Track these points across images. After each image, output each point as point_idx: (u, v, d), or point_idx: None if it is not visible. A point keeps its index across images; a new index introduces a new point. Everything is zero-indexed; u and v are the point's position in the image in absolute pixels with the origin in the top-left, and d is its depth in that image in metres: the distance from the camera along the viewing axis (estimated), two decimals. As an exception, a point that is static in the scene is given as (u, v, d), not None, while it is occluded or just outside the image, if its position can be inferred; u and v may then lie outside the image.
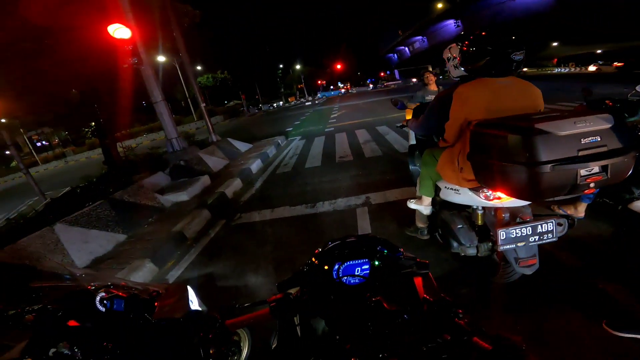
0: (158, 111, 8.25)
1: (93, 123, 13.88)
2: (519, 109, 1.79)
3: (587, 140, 1.35)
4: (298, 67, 59.12)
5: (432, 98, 3.11)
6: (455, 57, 2.26)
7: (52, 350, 1.18)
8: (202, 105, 11.32)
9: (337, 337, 0.90)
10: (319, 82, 65.89)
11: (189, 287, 1.76)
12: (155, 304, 1.52)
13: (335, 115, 17.39)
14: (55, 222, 4.33)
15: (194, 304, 1.72)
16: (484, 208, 2.07)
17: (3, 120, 9.43)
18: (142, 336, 1.39)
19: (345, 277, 0.98)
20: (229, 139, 9.80)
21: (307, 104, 37.34)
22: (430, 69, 5.71)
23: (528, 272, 1.93)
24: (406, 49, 62.20)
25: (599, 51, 21.00)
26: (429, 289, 0.94)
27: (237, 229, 4.50)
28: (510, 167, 1.48)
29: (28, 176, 8.76)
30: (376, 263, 0.97)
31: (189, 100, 38.87)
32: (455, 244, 2.15)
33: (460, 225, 2.15)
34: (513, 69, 1.90)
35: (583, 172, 1.37)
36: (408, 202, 2.78)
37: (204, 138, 10.55)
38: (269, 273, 3.16)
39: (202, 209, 5.05)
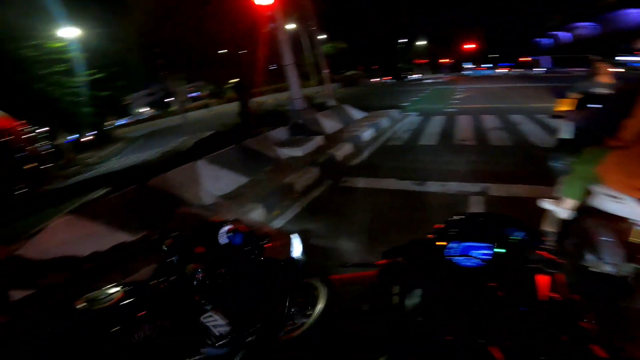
0: (287, 73, 8.93)
1: (234, 80, 16.17)
2: None
3: None
4: (421, 43, 54.95)
5: (601, 91, 2.74)
6: None
7: (181, 270, 1.43)
8: (325, 71, 11.74)
9: (434, 313, 0.88)
10: (443, 60, 60.00)
11: (294, 236, 1.98)
12: (266, 245, 1.74)
13: (460, 96, 15.70)
14: (198, 158, 5.23)
15: (295, 252, 1.93)
16: None
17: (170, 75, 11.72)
18: (249, 268, 1.62)
19: (458, 257, 0.93)
20: (345, 105, 10.01)
21: (426, 81, 34.74)
22: (599, 60, 4.56)
23: None
24: (568, 34, 50.60)
25: None
26: (557, 288, 0.84)
27: (342, 191, 4.68)
28: None
29: (184, 119, 10.85)
30: (501, 250, 0.89)
31: (309, 66, 40.96)
32: (590, 257, 1.87)
33: (606, 238, 1.83)
34: None
35: None
36: (541, 200, 2.41)
37: (322, 102, 11.04)
38: (363, 241, 3.21)
39: (312, 167, 5.40)
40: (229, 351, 1.43)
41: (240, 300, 1.54)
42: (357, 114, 9.89)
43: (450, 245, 0.96)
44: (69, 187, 12.08)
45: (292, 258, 1.90)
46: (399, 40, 55.88)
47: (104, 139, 30.36)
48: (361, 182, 4.84)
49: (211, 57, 13.12)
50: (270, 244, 1.74)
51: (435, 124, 8.62)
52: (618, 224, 1.89)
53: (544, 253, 0.89)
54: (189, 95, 57.55)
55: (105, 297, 1.15)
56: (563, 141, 2.87)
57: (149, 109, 70.09)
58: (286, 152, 6.36)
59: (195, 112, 45.03)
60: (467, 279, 0.91)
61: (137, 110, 69.57)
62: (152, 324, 1.11)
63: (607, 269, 1.82)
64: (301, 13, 13.31)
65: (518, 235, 0.92)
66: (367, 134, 7.63)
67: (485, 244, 0.92)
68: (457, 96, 15.76)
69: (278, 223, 3.91)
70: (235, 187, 5.11)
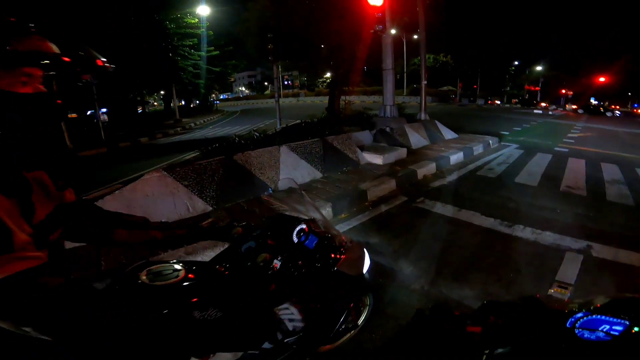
0: (385, 78, 8.78)
1: (328, 74, 16.59)
2: None
3: None
4: (539, 68, 48.63)
5: None
6: None
7: (252, 258, 1.33)
8: (424, 82, 11.19)
9: None
10: (564, 91, 52.16)
11: (365, 251, 1.85)
12: (343, 256, 1.61)
13: (575, 135, 13.50)
14: (283, 144, 5.42)
15: (366, 267, 1.80)
16: None
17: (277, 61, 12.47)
18: (319, 277, 1.49)
19: (581, 328, 0.79)
20: (437, 122, 9.41)
21: (536, 111, 30.77)
22: None
23: None
24: None
25: None
26: None
27: (415, 211, 4.39)
28: None
29: (277, 105, 11.49)
30: (635, 329, 0.75)
31: (404, 75, 39.93)
32: None
33: None
34: None
35: None
36: None
37: (413, 113, 10.58)
38: (427, 270, 2.95)
39: (390, 178, 5.18)
40: (274, 350, 1.36)
41: (313, 301, 1.47)
42: (447, 133, 9.22)
43: (576, 315, 0.81)
44: (169, 145, 13.94)
45: (362, 275, 1.79)
46: (514, 62, 50.69)
47: (207, 109, 34.30)
48: (439, 207, 4.47)
49: (314, 49, 13.64)
50: (344, 257, 1.62)
51: (539, 162, 7.53)
52: None
53: None
54: (285, 82, 61.27)
55: (170, 273, 1.06)
56: None
57: (245, 89, 76.79)
58: (366, 157, 6.24)
59: (285, 99, 47.84)
60: (589, 355, 0.78)
61: (238, 88, 76.93)
62: (215, 309, 1.02)
63: None
64: (409, 20, 12.92)
65: None
66: (455, 157, 7.04)
67: (619, 320, 0.77)
68: (573, 134, 13.60)
69: (342, 227, 3.85)
70: (309, 179, 5.19)
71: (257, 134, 7.05)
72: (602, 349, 0.77)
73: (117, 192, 3.62)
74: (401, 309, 2.42)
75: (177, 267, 1.11)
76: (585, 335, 0.79)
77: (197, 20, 22.32)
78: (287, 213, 1.75)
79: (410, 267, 3.00)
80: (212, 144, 6.45)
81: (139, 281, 1.01)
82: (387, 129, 7.48)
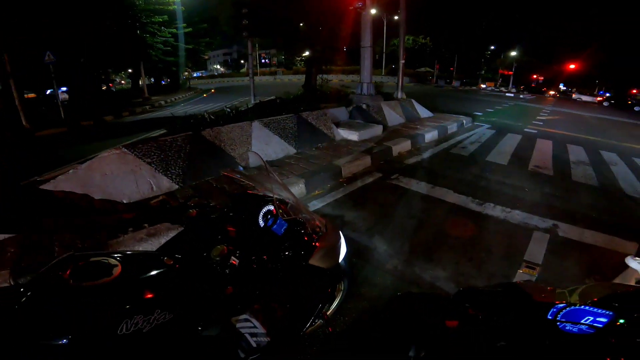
0: (362, 55, 8.56)
1: (307, 52, 16.10)
2: None
3: None
4: (514, 53, 49.78)
5: None
6: None
7: (207, 250, 1.09)
8: (402, 62, 11.04)
9: None
10: (535, 76, 53.79)
11: (342, 236, 1.63)
12: (317, 244, 1.37)
13: (544, 117, 13.98)
14: (255, 119, 5.22)
15: (342, 256, 1.60)
16: None
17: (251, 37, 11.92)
18: (288, 274, 1.27)
19: (564, 321, 0.75)
20: (413, 101, 9.37)
21: (508, 94, 31.65)
22: None
23: None
24: None
25: None
26: None
27: (390, 187, 4.34)
28: None
29: (251, 81, 11.02)
30: (620, 321, 0.70)
31: (383, 55, 39.71)
32: None
33: None
34: None
35: None
36: (628, 258, 1.91)
37: (390, 92, 10.48)
38: (401, 248, 2.92)
39: (365, 155, 5.10)
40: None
41: (280, 306, 1.22)
42: (423, 112, 9.23)
43: (558, 306, 0.74)
44: (135, 123, 13.17)
45: (339, 265, 1.56)
46: (490, 47, 51.48)
47: (179, 87, 32.68)
48: (413, 184, 4.46)
49: (292, 25, 13.10)
50: (318, 246, 1.37)
51: (509, 142, 7.71)
52: None
53: None
54: (262, 60, 59.25)
55: (101, 270, 0.84)
56: None
57: (220, 67, 73.80)
58: (342, 134, 6.11)
59: (262, 77, 46.37)
60: (574, 350, 0.72)
61: (213, 66, 73.68)
62: (150, 315, 0.81)
63: None
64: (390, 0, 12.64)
65: None
66: (430, 135, 7.06)
67: (604, 312, 0.71)
68: (542, 117, 14.08)
69: (316, 204, 3.75)
70: (282, 155, 5.04)
71: (229, 110, 6.71)
72: (585, 343, 0.71)
73: (71, 171, 3.32)
74: (374, 290, 2.37)
75: (112, 260, 0.88)
76: (567, 328, 0.74)
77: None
78: (254, 192, 1.50)
79: (384, 245, 2.96)
80: (181, 121, 6.10)
81: (61, 281, 0.78)
82: (364, 106, 7.34)
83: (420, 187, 4.38)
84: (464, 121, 9.11)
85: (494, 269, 2.68)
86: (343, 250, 1.60)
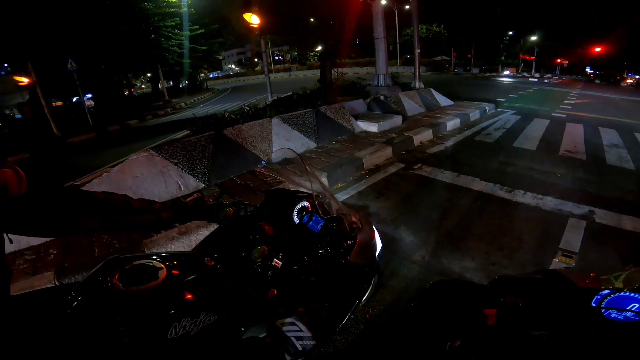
0: (377, 46, 8.45)
1: (319, 47, 16.01)
2: None
3: None
4: (534, 38, 47.58)
5: None
6: None
7: (246, 253, 1.06)
8: (417, 51, 10.79)
9: None
10: (559, 60, 51.25)
11: (376, 231, 1.59)
12: (358, 240, 1.32)
13: (572, 102, 13.30)
14: (274, 115, 5.25)
15: (378, 251, 1.56)
16: None
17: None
18: (330, 273, 1.24)
19: (609, 308, 0.70)
20: (432, 89, 9.14)
21: (531, 79, 30.32)
22: None
23: None
24: None
25: None
26: None
27: (413, 177, 4.27)
28: None
29: (267, 79, 11.08)
30: None
31: (398, 45, 38.97)
32: None
33: None
34: None
35: None
36: None
37: (407, 82, 10.28)
38: (428, 239, 2.86)
39: (386, 146, 5.03)
40: None
41: (323, 307, 1.19)
42: (443, 100, 8.99)
43: (603, 292, 0.71)
44: (159, 126, 13.57)
45: (375, 261, 1.53)
46: (508, 32, 49.44)
47: (197, 88, 33.40)
48: (437, 173, 4.36)
49: (302, 21, 13.05)
50: (359, 243, 1.32)
51: (537, 127, 7.39)
52: None
53: None
54: (275, 57, 59.50)
55: (148, 273, 0.83)
56: None
57: (235, 66, 74.73)
58: (361, 126, 6.05)
59: (277, 74, 46.58)
60: (621, 339, 0.68)
61: (228, 66, 74.72)
62: (196, 318, 0.80)
63: None
64: None
65: None
66: (451, 123, 6.86)
67: None
68: (570, 101, 13.40)
69: (339, 197, 3.74)
70: (303, 150, 5.05)
71: (248, 108, 6.78)
72: (631, 331, 0.68)
73: (104, 175, 3.48)
74: (402, 281, 2.33)
75: (157, 263, 0.87)
76: (613, 315, 0.70)
77: (177, -1, 21.37)
78: (285, 187, 1.49)
79: (410, 236, 2.90)
80: (203, 122, 6.25)
81: (111, 286, 0.77)
82: (382, 97, 7.23)
83: (444, 176, 4.28)
84: (487, 108, 8.81)
85: (526, 258, 2.58)
86: (379, 245, 1.56)
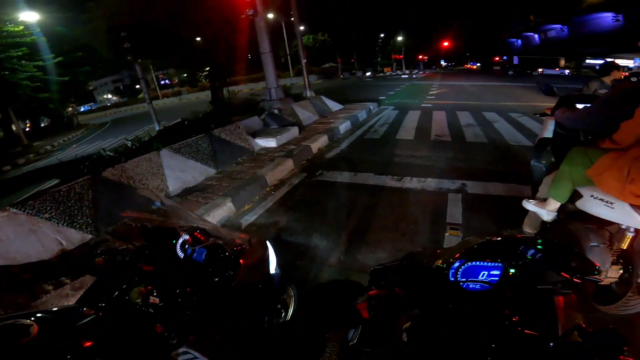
0: (264, 61, 8.56)
1: (208, 68, 15.42)
2: None
3: None
4: (400, 38, 55.65)
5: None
6: None
7: (116, 293, 1.07)
8: (304, 61, 11.37)
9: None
10: (420, 57, 60.95)
11: (269, 245, 1.64)
12: (241, 261, 1.37)
13: (435, 92, 15.90)
14: (163, 147, 4.82)
15: (272, 266, 1.60)
16: (637, 231, 1.68)
17: (139, 60, 11.06)
18: (220, 297, 1.27)
19: (465, 281, 0.76)
20: (322, 97, 9.75)
21: (403, 76, 35.11)
22: (563, 63, 4.74)
23: None
24: (536, 35, 52.88)
25: None
26: (572, 317, 0.72)
27: (316, 185, 4.45)
28: None
29: (150, 106, 10.13)
30: (510, 271, 0.75)
31: (288, 57, 40.37)
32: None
33: (595, 244, 1.75)
34: None
35: None
36: (525, 201, 2.33)
37: (299, 92, 10.72)
38: (339, 239, 3.02)
39: (287, 159, 5.13)
40: None
41: (215, 330, 1.21)
42: (333, 105, 9.67)
43: (454, 266, 0.77)
44: (22, 177, 11.09)
45: (270, 275, 1.56)
46: (380, 35, 56.24)
47: (65, 126, 28.31)
48: (337, 176, 4.65)
49: (184, 42, 12.39)
50: (242, 263, 1.37)
51: (412, 119, 8.58)
52: (606, 228, 1.82)
53: (564, 273, 0.73)
54: (161, 82, 54.98)
55: (12, 335, 0.76)
56: (543, 140, 2.78)
57: (113, 96, 66.48)
58: (259, 143, 6.04)
59: (165, 100, 43.14)
60: (478, 308, 0.75)
61: (102, 97, 65.71)
62: None
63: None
64: (282, 2, 12.90)
65: (532, 254, 0.75)
66: (343, 126, 7.43)
67: (494, 264, 0.75)
68: (433, 92, 15.96)
69: (248, 218, 3.65)
70: (202, 179, 4.78)
71: (130, 143, 6.06)
72: (489, 298, 0.75)
73: None
74: (324, 286, 2.40)
75: (26, 321, 0.78)
76: (471, 287, 0.76)
77: (22, 27, 17.81)
78: (168, 226, 1.42)
79: (323, 241, 3.01)
80: (77, 165, 5.35)
81: None
82: (276, 111, 7.37)
83: (343, 177, 4.59)
84: (371, 107, 9.84)
85: (425, 238, 2.92)
86: (273, 260, 1.60)
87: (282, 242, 3.11)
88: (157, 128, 9.42)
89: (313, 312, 1.08)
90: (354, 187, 4.24)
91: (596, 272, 0.74)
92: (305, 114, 8.02)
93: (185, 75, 53.05)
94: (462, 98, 13.00)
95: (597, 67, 4.77)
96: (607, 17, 36.89)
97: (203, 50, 12.89)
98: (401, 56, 53.30)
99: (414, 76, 34.26)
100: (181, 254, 1.25)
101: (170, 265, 1.21)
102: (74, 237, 3.28)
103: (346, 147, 6.23)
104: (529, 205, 2.29)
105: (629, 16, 33.00)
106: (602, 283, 1.81)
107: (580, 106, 2.48)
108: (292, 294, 1.88)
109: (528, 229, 2.50)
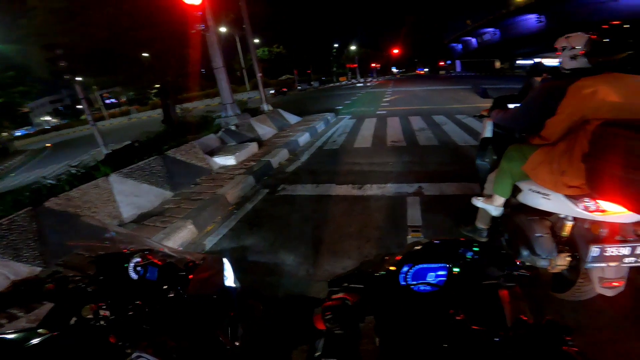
0: (217, 77, 8.39)
1: (158, 85, 14.74)
2: None
3: None
4: (353, 47, 57.66)
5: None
6: (575, 47, 1.87)
7: (74, 318, 1.13)
8: (259, 75, 11.35)
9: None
10: (373, 65, 63.59)
11: (225, 261, 1.69)
12: (190, 277, 1.45)
13: (388, 99, 16.62)
14: (112, 172, 4.56)
15: (229, 279, 1.65)
16: (575, 219, 1.79)
17: (79, 79, 10.34)
18: (173, 309, 1.33)
19: (415, 284, 0.80)
20: (280, 110, 9.77)
21: (358, 85, 36.33)
22: (498, 64, 5.16)
23: (610, 293, 1.71)
24: (473, 39, 57.84)
25: None
26: (519, 309, 0.77)
27: (279, 200, 4.43)
28: None
29: (94, 128, 9.48)
30: (455, 270, 0.79)
31: (244, 71, 39.95)
32: (525, 253, 1.90)
33: (539, 234, 1.87)
34: None
35: None
36: (474, 199, 2.49)
37: (256, 107, 10.65)
38: (307, 252, 3.03)
39: (247, 175, 5.05)
40: None
41: (168, 336, 1.25)
42: (291, 118, 9.73)
43: (403, 270, 0.80)
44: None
45: (225, 288, 1.62)
46: (334, 45, 57.76)
47: (0, 153, 25.51)
48: (299, 189, 4.66)
49: (129, 59, 11.75)
50: (192, 277, 1.45)
51: (368, 127, 8.88)
52: (547, 219, 1.95)
53: (524, 271, 0.80)
54: (106, 101, 51.62)
55: None
56: (485, 140, 3.00)
57: (52, 117, 61.33)
58: (218, 162, 5.88)
59: (113, 120, 40.66)
60: (427, 308, 0.78)
61: (40, 119, 60.22)
62: None
63: (543, 263, 1.86)
64: (235, 15, 12.77)
65: (471, 255, 0.81)
66: (302, 138, 7.49)
67: (440, 265, 0.80)
68: (387, 99, 16.66)
69: (212, 239, 3.54)
70: (159, 202, 4.57)
71: (75, 170, 5.61)
72: (439, 297, 0.78)
73: None
74: (297, 300, 2.40)
75: None
76: (422, 288, 0.79)
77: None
78: (120, 251, 1.51)
79: (291, 256, 2.99)
80: (17, 196, 4.87)
81: None
82: (233, 128, 7.25)
83: (306, 190, 4.61)
84: (329, 117, 10.03)
85: (389, 242, 3.00)
86: (229, 274, 1.67)
87: (249, 260, 3.05)
88: (104, 152, 8.83)
89: (274, 327, 1.12)
90: (317, 198, 4.27)
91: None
92: (263, 128, 7.97)
93: (133, 93, 50.42)
94: (413, 103, 13.72)
95: (526, 68, 5.24)
96: (531, 19, 41.25)
97: (151, 66, 12.33)
98: (355, 65, 55.19)
99: (368, 84, 35.58)
100: (134, 276, 1.32)
101: (123, 286, 1.27)
102: (21, 271, 3.14)
103: (307, 159, 6.28)
104: (478, 202, 2.45)
105: (551, 16, 37.18)
106: (553, 271, 1.91)
107: (511, 106, 2.73)
108: (257, 307, 1.89)
109: (481, 225, 2.63)
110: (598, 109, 1.59)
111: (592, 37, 1.79)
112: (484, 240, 2.64)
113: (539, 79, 4.62)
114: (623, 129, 1.37)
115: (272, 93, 34.03)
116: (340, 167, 5.49)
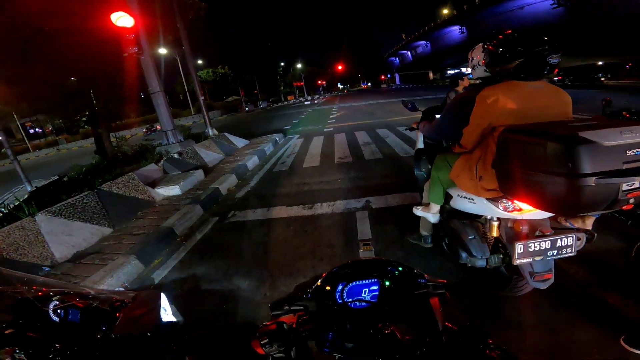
0: (155, 102, 8.05)
1: (87, 112, 13.55)
2: (551, 116, 1.68)
3: (632, 152, 1.23)
4: (299, 66, 58.95)
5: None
6: (475, 58, 2.06)
7: None
8: (201, 98, 11.11)
9: None
10: (319, 82, 65.59)
11: (162, 295, 1.63)
12: (118, 314, 1.39)
13: (335, 115, 17.23)
14: (38, 212, 4.14)
15: (168, 313, 1.59)
16: (499, 219, 1.95)
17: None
18: (99, 350, 1.26)
19: (351, 301, 0.83)
20: (226, 134, 9.60)
21: (306, 103, 37.14)
22: (432, 75, 5.58)
23: (542, 286, 1.83)
24: (408, 53, 62.78)
25: (600, 63, 21.18)
26: (449, 315, 0.81)
27: (230, 227, 4.32)
28: (547, 178, 1.36)
29: (15, 163, 8.45)
30: (386, 284, 0.83)
31: (187, 93, 38.60)
32: (464, 255, 2.02)
33: (472, 236, 2.01)
34: (546, 73, 1.78)
35: (625, 186, 1.25)
36: (414, 208, 2.67)
37: (201, 132, 10.34)
38: (262, 276, 3.00)
39: (194, 205, 4.86)
40: None
41: None
42: (239, 142, 9.61)
43: (338, 289, 0.84)
44: None
45: (163, 323, 1.55)
46: (280, 64, 58.42)
47: None
48: (250, 215, 4.59)
49: (49, 84, 10.70)
50: (124, 315, 1.39)
51: (316, 145, 9.10)
52: (478, 221, 2.11)
53: (434, 281, 0.85)
54: (30, 130, 46.19)
55: None
56: (419, 151, 3.22)
57: (-38, 154, 53.26)
58: (161, 192, 5.58)
59: (38, 152, 36.46)
60: (362, 324, 0.79)
61: (-59, 157, 51.71)
62: None
63: (480, 263, 1.98)
64: (175, 36, 12.36)
65: (399, 271, 0.88)
66: (251, 162, 7.43)
67: (371, 280, 0.84)
68: (333, 115, 17.27)
69: (160, 273, 3.36)
70: (96, 240, 4.23)
71: (-5, 211, 4.94)
72: (375, 313, 0.81)
73: None
74: (257, 326, 2.34)
75: None
76: (358, 305, 0.81)
77: None
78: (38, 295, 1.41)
79: (246, 281, 2.93)
80: None
81: None
82: (176, 156, 6.95)
83: (256, 214, 4.56)
84: (277, 138, 10.09)
85: (342, 259, 3.06)
86: (166, 309, 1.60)
87: (203, 290, 2.94)
88: (28, 189, 7.88)
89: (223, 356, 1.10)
90: (268, 222, 4.25)
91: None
92: (209, 154, 7.75)
93: (60, 121, 45.71)
94: (358, 118, 14.39)
95: (448, 79, 5.54)
96: (455, 31, 45.93)
97: (77, 92, 11.35)
98: (302, 83, 56.44)
99: (315, 102, 36.56)
100: (55, 318, 1.26)
101: (41, 329, 1.21)
102: None
103: (256, 183, 6.23)
104: (418, 211, 2.63)
105: (470, 28, 41.78)
106: (490, 268, 2.02)
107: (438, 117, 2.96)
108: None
109: (424, 232, 2.78)
110: (500, 116, 1.71)
111: (489, 47, 1.89)
112: (429, 246, 2.83)
113: (459, 88, 4.99)
114: (518, 134, 1.51)
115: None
116: (290, 188, 5.53)
